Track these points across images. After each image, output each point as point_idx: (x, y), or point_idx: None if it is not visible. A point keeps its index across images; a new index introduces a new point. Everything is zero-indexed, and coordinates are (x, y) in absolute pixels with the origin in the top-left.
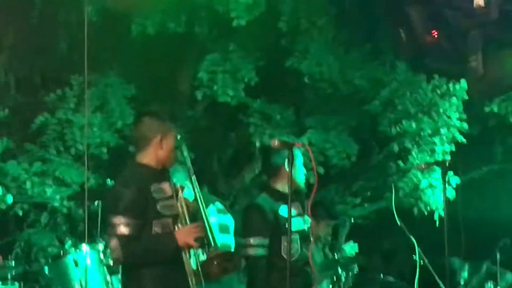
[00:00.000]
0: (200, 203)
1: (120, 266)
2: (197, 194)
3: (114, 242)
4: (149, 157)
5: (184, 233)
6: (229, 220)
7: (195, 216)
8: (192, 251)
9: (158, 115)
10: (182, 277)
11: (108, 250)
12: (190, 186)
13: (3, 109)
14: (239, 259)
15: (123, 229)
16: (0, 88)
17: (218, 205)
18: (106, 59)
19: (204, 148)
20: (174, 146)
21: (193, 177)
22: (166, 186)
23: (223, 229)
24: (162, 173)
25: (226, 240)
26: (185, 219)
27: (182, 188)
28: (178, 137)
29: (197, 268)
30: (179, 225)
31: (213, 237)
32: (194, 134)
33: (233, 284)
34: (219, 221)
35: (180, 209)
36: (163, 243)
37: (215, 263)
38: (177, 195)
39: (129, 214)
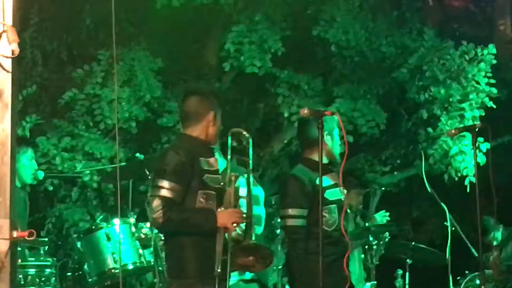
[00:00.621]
0: (248, 189)
1: (162, 235)
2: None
3: (156, 202)
4: (199, 131)
5: (225, 214)
6: (259, 191)
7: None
8: (226, 234)
9: (213, 93)
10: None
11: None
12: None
13: (31, 85)
14: (271, 257)
15: (167, 192)
16: (27, 64)
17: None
18: (132, 33)
19: (232, 120)
20: (220, 123)
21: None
22: (213, 160)
23: (254, 200)
24: (209, 148)
25: (257, 212)
26: (231, 206)
27: (236, 176)
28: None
29: (227, 252)
30: (222, 208)
31: (251, 228)
32: (222, 106)
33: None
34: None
35: (228, 194)
36: (202, 218)
37: (246, 254)
38: (230, 182)
39: (175, 179)
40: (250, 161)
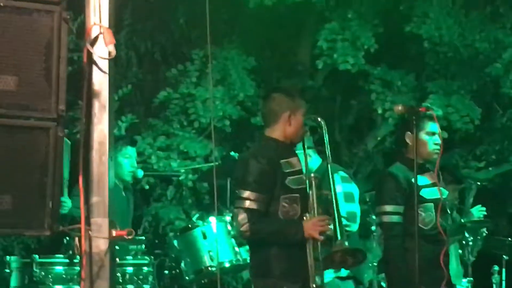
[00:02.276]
0: (333, 192)
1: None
2: (332, 184)
3: (242, 215)
4: (277, 132)
5: (310, 225)
6: (353, 189)
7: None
8: (316, 244)
9: (288, 91)
10: (305, 262)
11: (235, 222)
12: (316, 155)
13: (126, 85)
14: (364, 254)
15: (251, 204)
16: (122, 65)
17: (342, 173)
18: (225, 32)
19: (325, 117)
20: (302, 122)
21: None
22: (295, 160)
23: (348, 197)
24: (291, 148)
25: (351, 209)
26: (314, 210)
27: (317, 178)
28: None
29: (319, 259)
30: (307, 215)
31: (341, 231)
32: (315, 104)
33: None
34: (344, 190)
35: (310, 199)
36: (289, 230)
37: (339, 256)
38: (311, 185)
39: (259, 189)
40: (327, 149)
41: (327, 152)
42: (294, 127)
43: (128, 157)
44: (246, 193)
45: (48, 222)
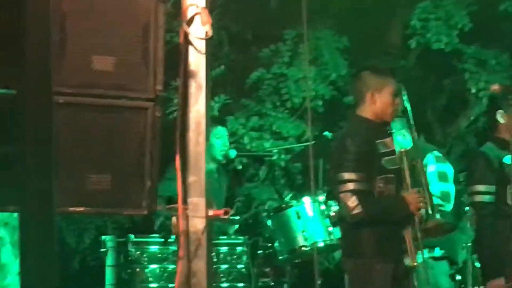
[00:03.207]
0: (421, 168)
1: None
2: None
3: (350, 198)
4: (366, 111)
5: (411, 200)
6: (448, 168)
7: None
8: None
9: (375, 69)
10: (399, 240)
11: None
12: (408, 135)
13: (218, 66)
14: (454, 227)
15: (356, 185)
16: (214, 45)
17: (436, 153)
18: (317, 12)
19: (418, 97)
20: (391, 100)
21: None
22: (388, 140)
23: (442, 177)
24: (383, 127)
25: (445, 188)
26: (408, 186)
27: (406, 152)
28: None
29: (416, 236)
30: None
31: (432, 206)
32: (407, 83)
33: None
34: (438, 169)
35: (403, 174)
36: (397, 206)
37: (433, 231)
38: (402, 161)
39: (358, 168)
40: (411, 123)
41: (408, 118)
42: (380, 105)
43: (220, 137)
44: (347, 175)
45: (146, 202)
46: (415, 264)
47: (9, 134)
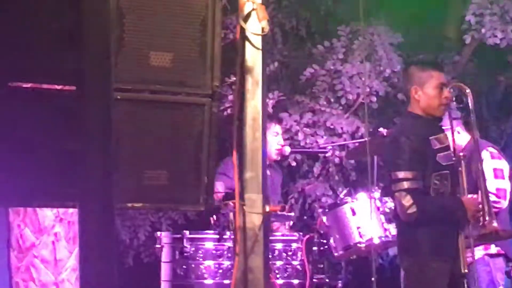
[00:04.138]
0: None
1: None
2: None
3: (405, 197)
4: (415, 107)
5: (466, 205)
6: (503, 165)
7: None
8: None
9: (420, 64)
10: (456, 239)
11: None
12: (463, 132)
13: (272, 62)
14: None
15: (411, 183)
16: (268, 42)
17: (492, 149)
18: (371, 8)
19: (472, 93)
20: (435, 93)
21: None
22: (442, 135)
23: (498, 174)
24: (435, 123)
25: (501, 185)
26: (464, 189)
27: (465, 156)
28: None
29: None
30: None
31: (490, 213)
32: (461, 79)
33: None
34: (494, 166)
35: (460, 177)
36: (453, 206)
37: (488, 236)
38: (460, 163)
39: (413, 166)
40: (472, 117)
41: (472, 121)
42: (425, 100)
43: (274, 134)
44: (402, 174)
45: (203, 197)
46: (466, 271)
47: (69, 131)
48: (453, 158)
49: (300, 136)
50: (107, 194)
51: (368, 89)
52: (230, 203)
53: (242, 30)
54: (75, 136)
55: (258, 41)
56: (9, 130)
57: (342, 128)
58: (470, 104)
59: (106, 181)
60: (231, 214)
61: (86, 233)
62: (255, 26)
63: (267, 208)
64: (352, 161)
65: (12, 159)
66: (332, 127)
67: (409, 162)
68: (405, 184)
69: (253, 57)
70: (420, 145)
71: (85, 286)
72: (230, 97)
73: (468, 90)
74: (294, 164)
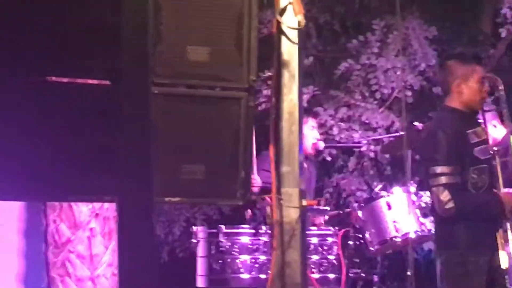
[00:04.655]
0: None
1: (431, 214)
2: None
3: (443, 193)
4: (454, 101)
5: (504, 201)
6: None
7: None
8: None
9: (460, 58)
10: (494, 233)
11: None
12: (499, 126)
13: (307, 57)
14: None
15: (448, 178)
16: (302, 36)
17: None
18: (406, 2)
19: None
20: (478, 88)
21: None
22: (479, 129)
23: None
24: (473, 117)
25: None
26: (500, 184)
27: (500, 150)
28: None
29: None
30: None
31: None
32: (496, 73)
33: None
34: None
35: (496, 171)
36: (492, 203)
37: None
38: (494, 158)
39: (451, 161)
40: (505, 108)
41: (505, 113)
42: (468, 94)
43: (310, 128)
44: (440, 169)
45: (240, 192)
46: (506, 266)
47: (107, 125)
48: (490, 152)
49: (335, 130)
50: (145, 188)
51: (402, 83)
52: (267, 197)
53: (279, 24)
54: (113, 130)
55: (294, 35)
56: (47, 124)
57: (376, 122)
58: (503, 97)
59: (145, 176)
60: (268, 209)
61: (124, 227)
62: (291, 20)
63: (304, 202)
64: (387, 156)
65: (49, 153)
66: (367, 121)
67: (447, 156)
68: (443, 179)
69: (290, 51)
70: (457, 139)
71: (124, 280)
72: (265, 92)
73: (500, 82)
74: (329, 158)
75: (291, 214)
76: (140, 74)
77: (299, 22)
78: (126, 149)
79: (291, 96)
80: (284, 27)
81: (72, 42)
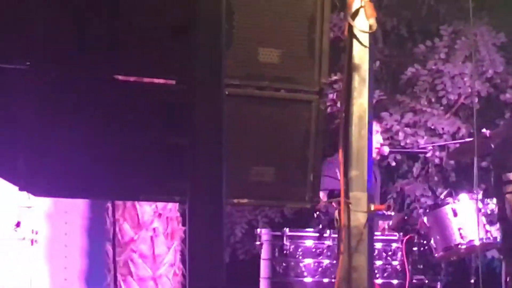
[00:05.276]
0: None
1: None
2: None
3: None
4: None
5: None
6: None
7: None
8: None
9: None
10: None
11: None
12: None
13: (373, 62)
14: None
15: None
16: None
17: None
18: (475, 8)
19: None
20: None
21: None
22: None
23: None
24: None
25: None
26: None
27: None
28: None
29: None
30: None
31: None
32: None
33: None
34: None
35: None
36: None
37: None
38: None
39: None
40: None
41: None
42: None
43: (374, 133)
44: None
45: (308, 195)
46: None
47: (179, 126)
48: None
49: (401, 135)
50: (216, 189)
51: (469, 90)
52: (334, 201)
53: (350, 27)
54: (182, 130)
55: (365, 38)
56: (115, 124)
57: (442, 128)
58: None
59: (216, 177)
60: (336, 212)
61: (195, 228)
62: (363, 24)
63: (372, 207)
64: (452, 162)
65: (118, 153)
66: (432, 127)
67: None
68: None
69: (360, 55)
70: None
71: (193, 280)
72: (331, 96)
73: None
74: (393, 163)
75: (359, 218)
76: (213, 75)
77: (370, 26)
78: (198, 150)
79: (361, 100)
80: (355, 31)
81: (142, 42)
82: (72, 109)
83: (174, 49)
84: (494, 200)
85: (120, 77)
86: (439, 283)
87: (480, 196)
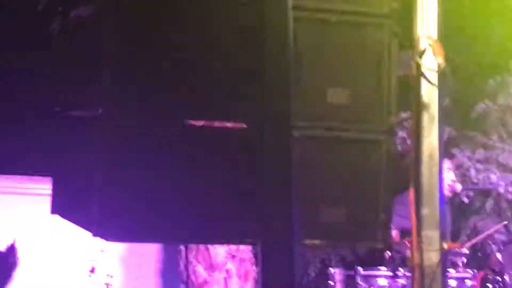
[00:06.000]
0: None
1: None
2: None
3: None
4: None
5: None
6: None
7: None
8: None
9: None
10: None
11: None
12: None
13: (443, 98)
14: None
15: None
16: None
17: None
18: None
19: None
20: None
21: None
22: None
23: None
24: None
25: None
26: None
27: None
28: None
29: None
30: None
31: None
32: None
33: None
34: None
35: None
36: None
37: None
38: None
39: None
40: None
41: None
42: None
43: (446, 170)
44: None
45: (380, 234)
46: None
47: (250, 169)
48: None
49: (472, 172)
50: (287, 230)
51: None
52: (406, 240)
53: (418, 66)
54: (251, 173)
55: (434, 77)
56: (187, 169)
57: None
58: None
59: (286, 218)
60: (408, 251)
61: (267, 270)
62: (431, 62)
63: (445, 245)
64: None
65: (190, 197)
66: (504, 163)
67: None
68: None
69: (429, 93)
70: None
71: None
72: (400, 134)
73: None
74: (466, 200)
75: (432, 257)
76: (281, 117)
77: (439, 64)
78: (268, 192)
79: (430, 139)
80: (424, 69)
81: (213, 86)
82: (143, 155)
83: (246, 92)
84: None
85: (192, 122)
86: None
87: None
